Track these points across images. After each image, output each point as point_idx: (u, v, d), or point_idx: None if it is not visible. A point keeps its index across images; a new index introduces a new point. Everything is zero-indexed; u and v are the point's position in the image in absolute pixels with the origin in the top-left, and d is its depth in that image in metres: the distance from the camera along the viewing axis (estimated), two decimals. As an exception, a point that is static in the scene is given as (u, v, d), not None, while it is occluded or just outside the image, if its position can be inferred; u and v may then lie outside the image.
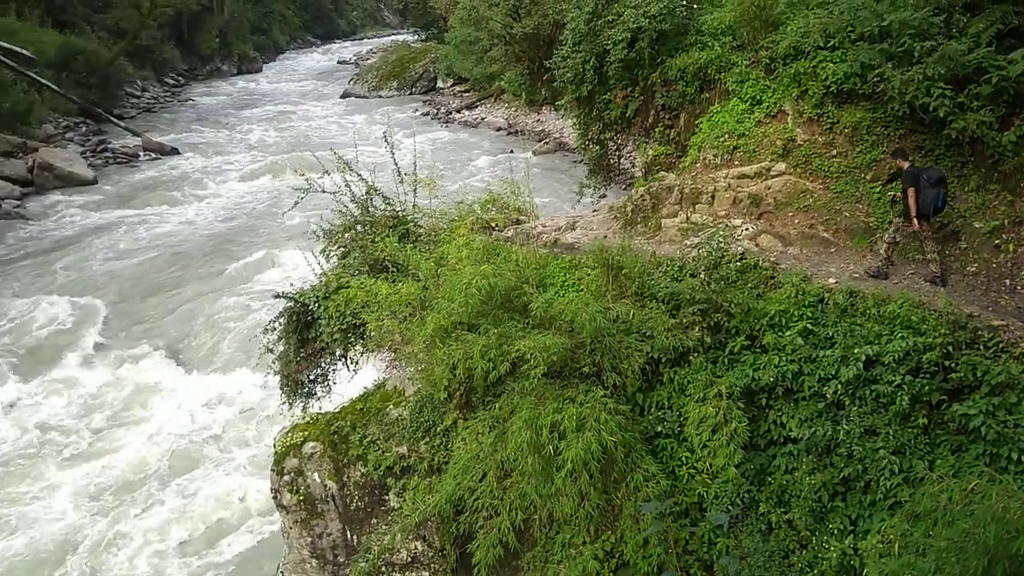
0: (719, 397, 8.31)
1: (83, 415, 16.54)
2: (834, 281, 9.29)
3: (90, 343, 19.40)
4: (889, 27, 10.22)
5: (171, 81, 61.60)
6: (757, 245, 10.66)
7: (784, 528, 8.01)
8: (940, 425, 7.74)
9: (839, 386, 8.04)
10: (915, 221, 9.56)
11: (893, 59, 10.08)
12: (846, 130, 10.96)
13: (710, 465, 8.30)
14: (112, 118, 43.64)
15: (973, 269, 9.52)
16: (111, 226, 27.94)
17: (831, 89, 10.98)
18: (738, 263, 9.62)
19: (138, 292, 22.34)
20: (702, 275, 9.36)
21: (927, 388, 7.68)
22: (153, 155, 38.16)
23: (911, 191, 9.49)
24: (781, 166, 11.32)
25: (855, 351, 8.06)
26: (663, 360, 8.91)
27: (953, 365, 7.72)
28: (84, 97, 43.66)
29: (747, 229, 10.99)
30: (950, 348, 7.79)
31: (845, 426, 7.93)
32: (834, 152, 11.01)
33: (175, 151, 38.66)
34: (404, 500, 9.88)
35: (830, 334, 8.46)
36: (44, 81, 40.33)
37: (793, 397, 8.40)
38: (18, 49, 39.23)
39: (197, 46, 69.39)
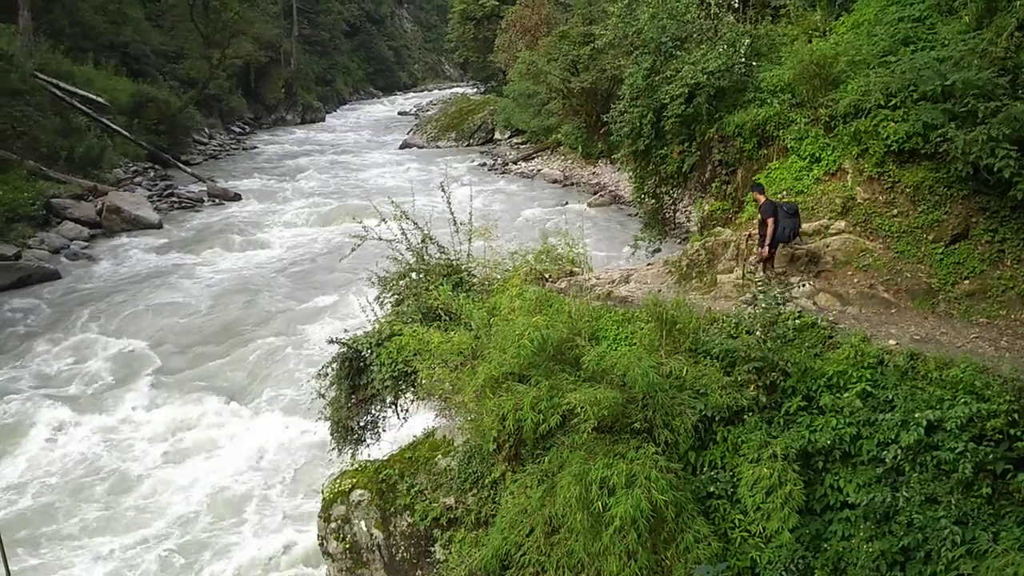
0: (774, 458, 8.14)
1: (136, 455, 16.74)
2: (894, 343, 9.09)
3: (145, 383, 19.65)
4: (952, 87, 10.10)
5: (237, 129, 63.29)
6: (815, 304, 10.51)
7: (840, 597, 7.75)
8: (1005, 495, 7.46)
9: (899, 451, 7.81)
10: (766, 248, 11.02)
11: (956, 119, 9.95)
12: (907, 190, 10.81)
13: (764, 528, 8.09)
14: (179, 164, 44.86)
15: (1041, 334, 9.25)
16: (172, 269, 28.58)
17: (892, 148, 10.86)
18: (795, 321, 9.47)
19: (195, 334, 22.72)
20: (758, 333, 9.23)
21: (991, 456, 7.43)
22: (217, 200, 39.04)
23: (770, 221, 10.82)
24: (840, 224, 11.19)
25: (916, 415, 7.85)
26: (717, 418, 8.76)
27: (1019, 433, 7.46)
28: (153, 143, 44.98)
29: (804, 287, 10.84)
30: (1016, 416, 7.54)
31: (905, 493, 7.69)
32: (895, 212, 10.87)
33: (238, 197, 39.52)
34: (450, 553, 9.78)
35: (890, 397, 8.25)
36: (116, 127, 41.64)
37: (851, 461, 8.18)
38: (93, 96, 40.71)
39: (263, 96, 71.44)
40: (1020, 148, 9.35)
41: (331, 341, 12.47)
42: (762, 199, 11.16)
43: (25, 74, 36.08)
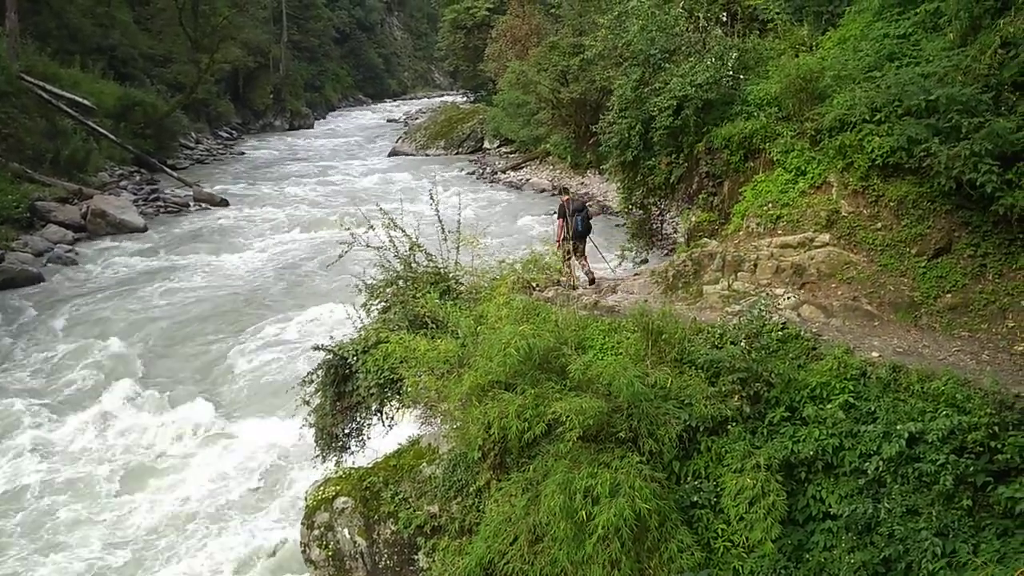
0: (757, 469, 8.19)
1: (116, 459, 16.61)
2: (877, 355, 9.16)
3: (126, 388, 19.41)
4: (936, 102, 10.19)
5: (224, 134, 63.18)
6: (799, 315, 10.58)
7: (821, 608, 7.78)
8: (985, 507, 7.53)
9: (881, 463, 7.87)
10: (558, 244, 13.33)
11: (940, 134, 10.03)
12: (891, 203, 10.89)
13: (746, 539, 8.13)
14: (166, 168, 44.65)
15: (1022, 348, 9.33)
16: (157, 273, 28.45)
17: (877, 162, 10.94)
18: (779, 333, 9.53)
19: (179, 339, 22.61)
20: (743, 343, 9.28)
21: (972, 469, 7.50)
22: (203, 205, 38.91)
23: (559, 221, 13.15)
24: (825, 237, 11.26)
25: (898, 427, 7.91)
26: (701, 428, 8.80)
27: (1000, 446, 7.53)
28: (140, 147, 44.80)
29: (789, 299, 10.91)
30: (996, 428, 7.61)
31: (886, 504, 7.75)
32: (879, 225, 10.95)
33: (224, 202, 39.40)
34: (434, 561, 9.77)
35: (872, 409, 8.31)
36: (102, 130, 41.42)
37: (833, 472, 8.24)
38: (79, 99, 40.52)
39: (251, 101, 71.42)
40: (1002, 163, 9.44)
41: (317, 348, 12.45)
42: (564, 198, 13.27)
43: (11, 76, 35.90)
